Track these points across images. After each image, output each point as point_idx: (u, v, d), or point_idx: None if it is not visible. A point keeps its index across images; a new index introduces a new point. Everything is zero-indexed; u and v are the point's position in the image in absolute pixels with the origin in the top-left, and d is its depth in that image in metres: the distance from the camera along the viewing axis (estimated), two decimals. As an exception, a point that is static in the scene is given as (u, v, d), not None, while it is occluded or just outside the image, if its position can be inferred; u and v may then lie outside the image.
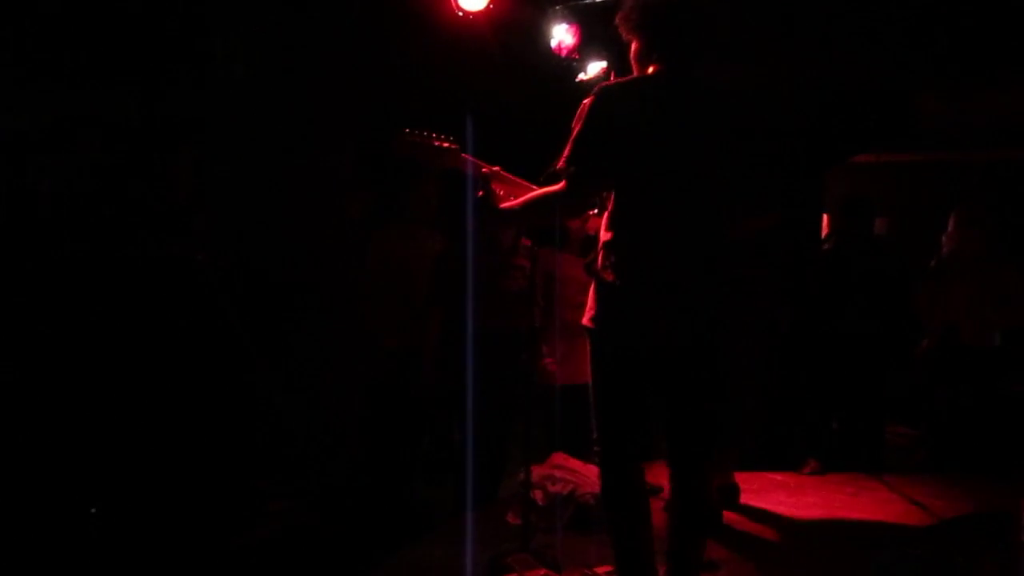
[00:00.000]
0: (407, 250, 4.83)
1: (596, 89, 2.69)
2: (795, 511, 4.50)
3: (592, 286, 2.78)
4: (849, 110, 6.13)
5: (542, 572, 3.42)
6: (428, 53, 4.44)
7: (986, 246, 5.46)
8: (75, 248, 3.43)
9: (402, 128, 3.05)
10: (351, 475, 4.65)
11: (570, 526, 4.04)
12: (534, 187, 3.03)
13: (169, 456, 3.40)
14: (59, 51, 3.82)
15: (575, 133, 2.67)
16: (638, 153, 2.63)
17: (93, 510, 2.91)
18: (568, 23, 4.49)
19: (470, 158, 3.05)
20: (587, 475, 4.30)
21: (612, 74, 4.76)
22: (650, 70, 2.76)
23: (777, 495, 4.77)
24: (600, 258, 2.72)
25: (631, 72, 2.85)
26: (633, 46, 2.83)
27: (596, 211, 3.29)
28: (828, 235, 6.42)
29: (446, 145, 3.01)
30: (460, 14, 3.90)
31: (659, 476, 2.98)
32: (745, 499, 4.54)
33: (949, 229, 5.60)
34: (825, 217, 7.26)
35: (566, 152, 2.68)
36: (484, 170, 3.04)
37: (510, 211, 2.86)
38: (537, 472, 4.25)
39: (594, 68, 4.85)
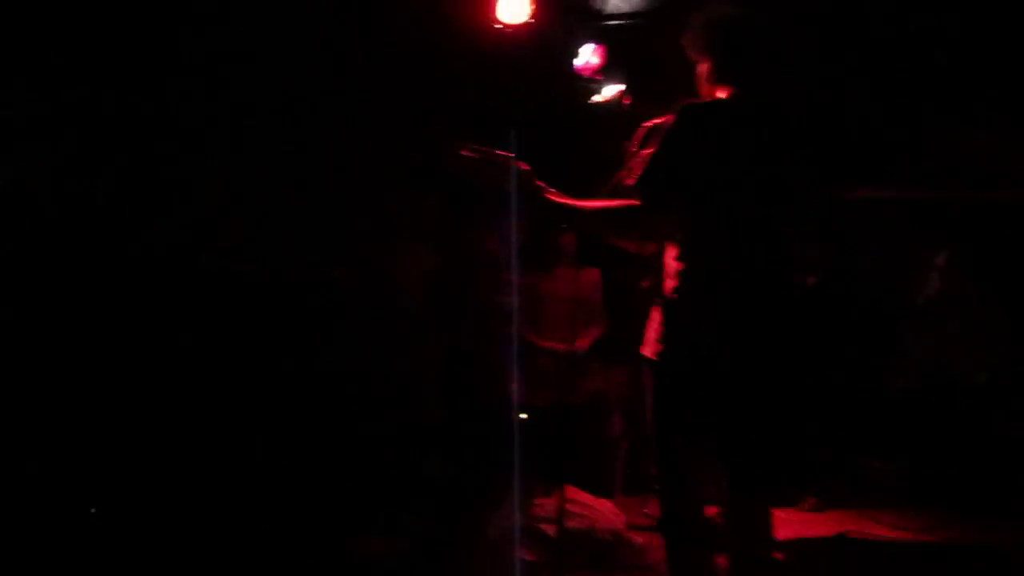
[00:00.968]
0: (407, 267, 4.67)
1: (680, 109, 2.60)
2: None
3: (657, 314, 2.65)
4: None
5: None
6: (466, 66, 4.29)
7: (972, 285, 5.52)
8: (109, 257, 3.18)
9: (453, 141, 2.87)
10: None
11: (588, 565, 3.90)
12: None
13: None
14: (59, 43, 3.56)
15: (657, 151, 2.58)
16: (721, 178, 2.55)
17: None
18: (595, 43, 4.38)
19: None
20: (602, 511, 4.18)
21: (627, 98, 4.70)
22: (722, 93, 2.67)
23: (786, 530, 4.71)
24: (674, 285, 2.60)
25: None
26: (702, 67, 2.74)
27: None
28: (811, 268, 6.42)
29: (504, 154, 2.84)
30: (498, 27, 3.75)
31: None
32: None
33: (936, 267, 5.66)
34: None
35: (645, 169, 2.59)
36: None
37: (579, 211, 2.69)
38: (547, 505, 4.11)
39: (610, 90, 4.76)
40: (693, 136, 2.56)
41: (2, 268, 3.11)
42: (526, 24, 3.83)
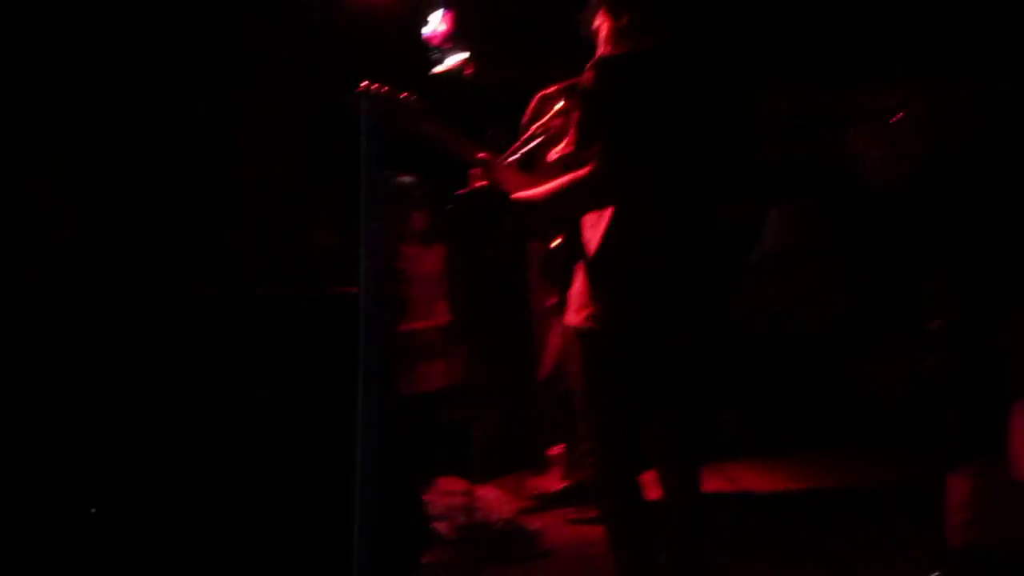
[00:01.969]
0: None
1: (602, 64, 2.46)
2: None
3: (587, 284, 2.52)
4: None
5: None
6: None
7: (807, 240, 5.77)
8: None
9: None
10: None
11: (488, 559, 3.70)
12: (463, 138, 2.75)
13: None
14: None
15: (604, 113, 2.43)
16: (663, 134, 2.44)
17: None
18: (444, 9, 4.15)
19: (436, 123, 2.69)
20: (491, 500, 4.01)
21: (469, 68, 4.51)
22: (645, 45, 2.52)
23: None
24: (609, 250, 2.47)
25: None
26: (613, 23, 2.58)
27: None
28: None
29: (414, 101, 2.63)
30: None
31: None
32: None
33: (770, 224, 5.87)
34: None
35: (596, 135, 2.44)
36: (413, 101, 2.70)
37: (531, 203, 2.56)
38: (435, 502, 3.89)
39: (453, 60, 4.55)
40: (637, 92, 2.43)
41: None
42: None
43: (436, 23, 4.15)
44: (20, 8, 3.43)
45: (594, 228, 2.50)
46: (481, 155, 2.72)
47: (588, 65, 2.47)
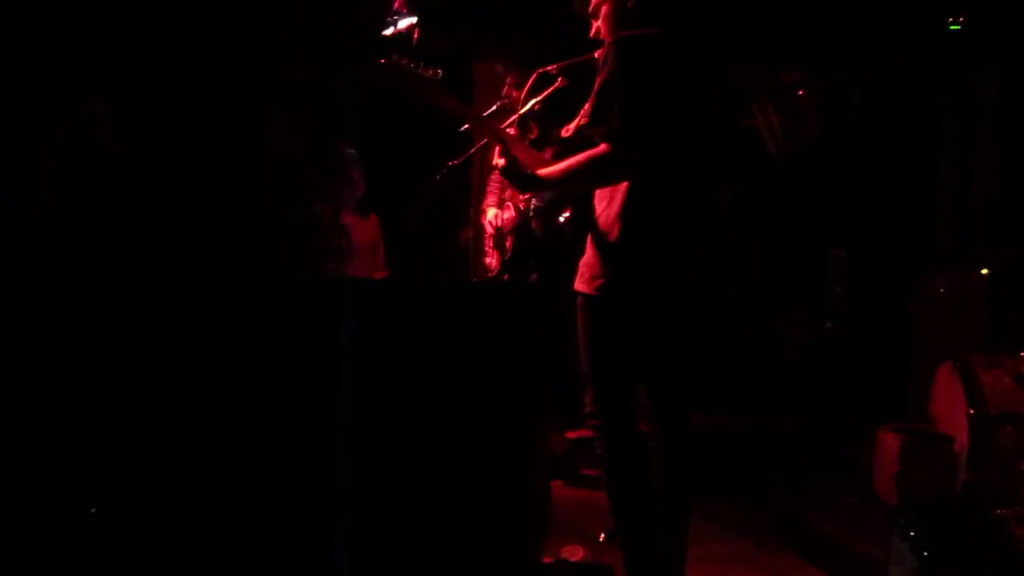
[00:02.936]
0: None
1: (626, 42, 2.54)
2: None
3: (597, 254, 2.64)
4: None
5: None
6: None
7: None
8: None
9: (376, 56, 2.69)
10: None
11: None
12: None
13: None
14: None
15: (625, 90, 2.49)
16: (676, 113, 2.56)
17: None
18: (401, -31, 4.11)
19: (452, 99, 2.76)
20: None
21: (416, 32, 4.51)
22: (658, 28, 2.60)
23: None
24: (618, 219, 2.59)
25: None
26: (616, 5, 2.67)
27: None
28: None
29: (431, 74, 2.67)
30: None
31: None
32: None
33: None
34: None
35: (621, 111, 2.49)
36: (430, 74, 2.75)
37: (552, 179, 2.62)
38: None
39: (402, 23, 4.54)
40: (650, 71, 2.52)
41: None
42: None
43: (397, -15, 4.12)
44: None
45: (608, 202, 2.62)
46: (500, 130, 2.78)
47: (608, 43, 2.55)
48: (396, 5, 4.28)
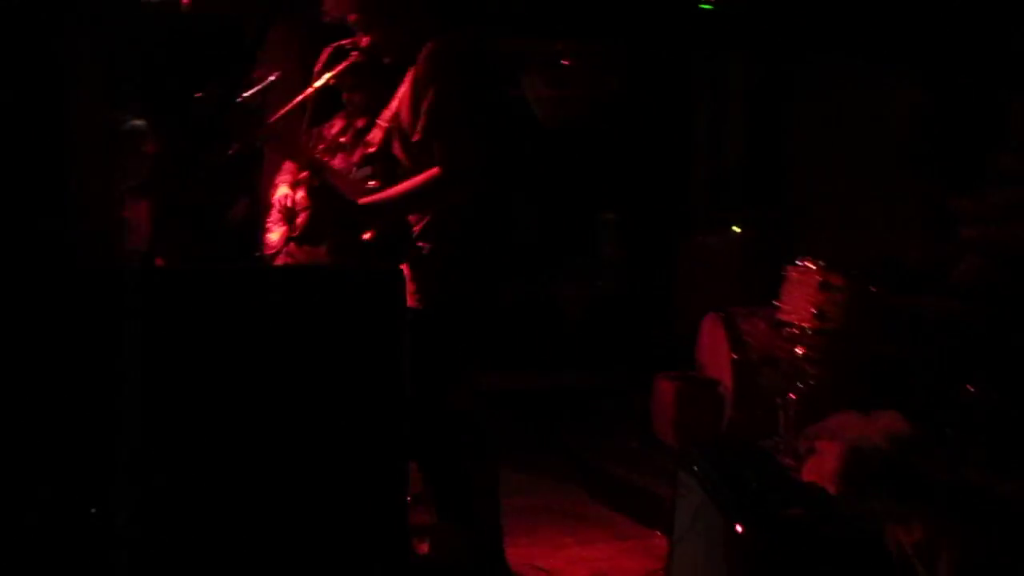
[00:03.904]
0: None
1: (459, 50, 2.49)
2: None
3: (412, 269, 2.55)
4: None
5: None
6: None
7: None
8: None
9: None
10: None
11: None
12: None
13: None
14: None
15: (460, 109, 2.43)
16: (497, 122, 2.57)
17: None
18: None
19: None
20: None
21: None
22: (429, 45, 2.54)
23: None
24: (438, 236, 2.55)
25: None
26: (389, 29, 2.62)
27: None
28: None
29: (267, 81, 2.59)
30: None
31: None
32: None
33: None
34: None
35: (453, 132, 2.42)
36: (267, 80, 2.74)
37: (385, 207, 2.51)
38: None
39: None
40: (482, 83, 2.50)
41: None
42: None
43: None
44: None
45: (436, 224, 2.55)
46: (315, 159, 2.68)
47: (429, 50, 2.48)
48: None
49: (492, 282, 2.63)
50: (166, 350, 1.82)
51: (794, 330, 3.64)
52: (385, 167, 2.59)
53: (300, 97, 3.13)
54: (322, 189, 2.57)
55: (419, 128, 2.47)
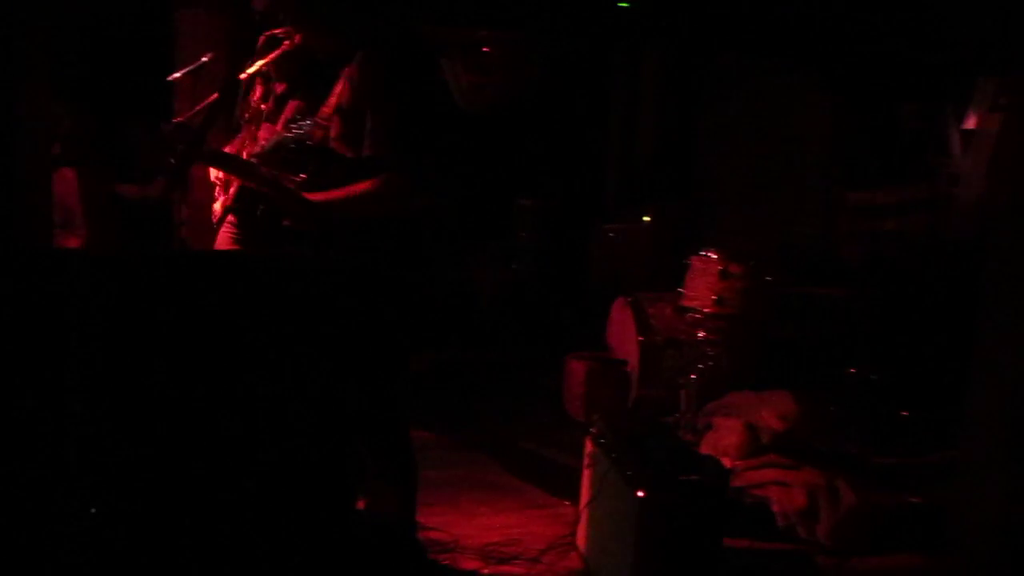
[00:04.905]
0: None
1: (398, 63, 2.54)
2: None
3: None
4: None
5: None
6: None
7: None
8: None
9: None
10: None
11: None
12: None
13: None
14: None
15: (393, 119, 2.48)
16: (425, 123, 2.59)
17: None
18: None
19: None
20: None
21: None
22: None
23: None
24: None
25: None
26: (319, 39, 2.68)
27: None
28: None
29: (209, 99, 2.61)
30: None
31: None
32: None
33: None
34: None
35: (403, 136, 2.47)
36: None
37: (324, 207, 2.56)
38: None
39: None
40: (412, 89, 2.53)
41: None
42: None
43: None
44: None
45: None
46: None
47: (371, 61, 2.53)
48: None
49: (427, 265, 2.78)
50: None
51: (696, 315, 3.90)
52: (323, 161, 2.64)
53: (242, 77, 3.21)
54: (280, 199, 2.63)
55: (370, 144, 2.52)
